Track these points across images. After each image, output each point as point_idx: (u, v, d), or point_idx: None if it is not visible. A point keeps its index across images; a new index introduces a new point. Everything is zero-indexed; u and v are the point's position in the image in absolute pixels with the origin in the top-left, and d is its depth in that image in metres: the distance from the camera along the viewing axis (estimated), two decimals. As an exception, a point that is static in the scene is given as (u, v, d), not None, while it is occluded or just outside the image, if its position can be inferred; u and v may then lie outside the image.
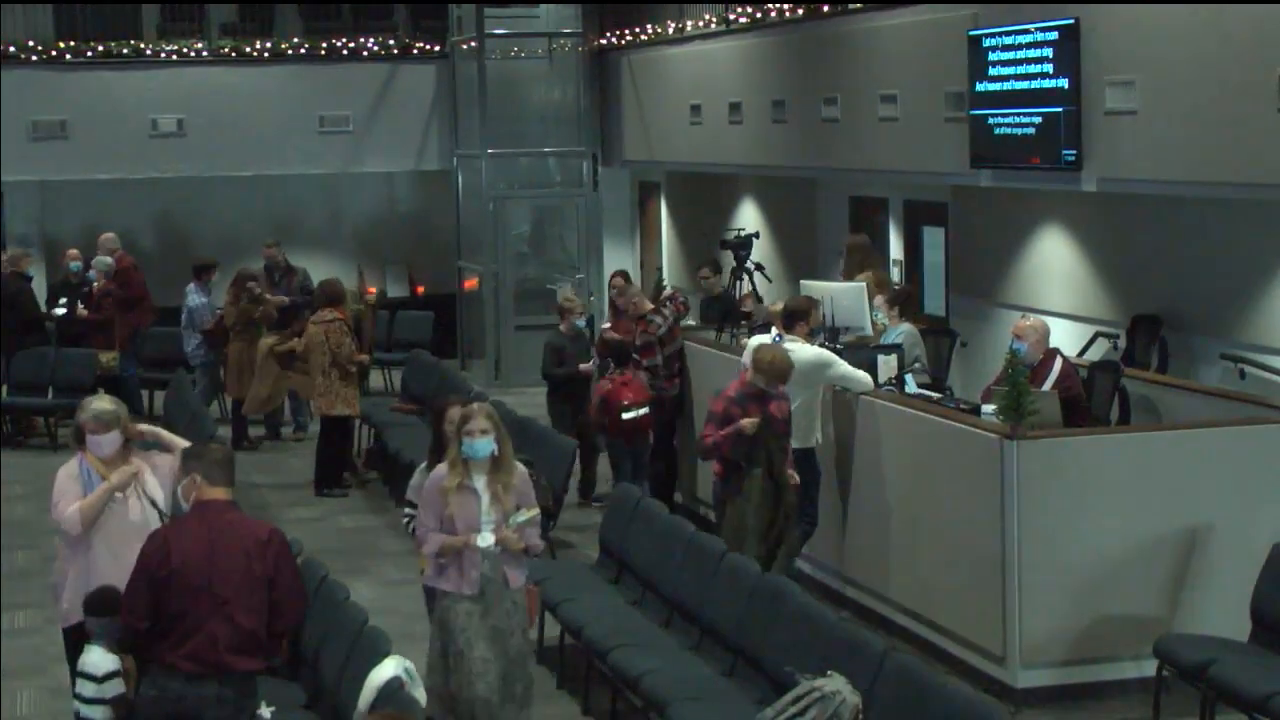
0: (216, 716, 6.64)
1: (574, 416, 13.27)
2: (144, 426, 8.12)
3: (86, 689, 7.20)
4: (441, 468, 7.84)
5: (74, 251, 18.60)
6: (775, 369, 9.77)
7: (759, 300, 13.47)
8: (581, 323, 13.82)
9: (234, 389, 16.36)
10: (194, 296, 17.09)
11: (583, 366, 13.47)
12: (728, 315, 13.21)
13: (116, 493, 7.69)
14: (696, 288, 15.08)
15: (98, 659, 7.19)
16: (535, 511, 7.81)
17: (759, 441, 9.70)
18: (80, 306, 18.07)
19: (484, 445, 7.65)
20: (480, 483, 7.71)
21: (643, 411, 12.49)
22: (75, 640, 7.74)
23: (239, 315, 16.18)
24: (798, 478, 9.95)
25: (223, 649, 6.64)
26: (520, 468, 7.87)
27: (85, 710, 7.20)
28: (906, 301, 12.57)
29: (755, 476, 9.72)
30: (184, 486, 6.89)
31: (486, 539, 7.66)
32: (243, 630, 6.66)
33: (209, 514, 6.78)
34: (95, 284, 17.88)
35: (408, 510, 8.61)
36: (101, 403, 7.89)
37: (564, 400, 13.53)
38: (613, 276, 14.87)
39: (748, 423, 9.66)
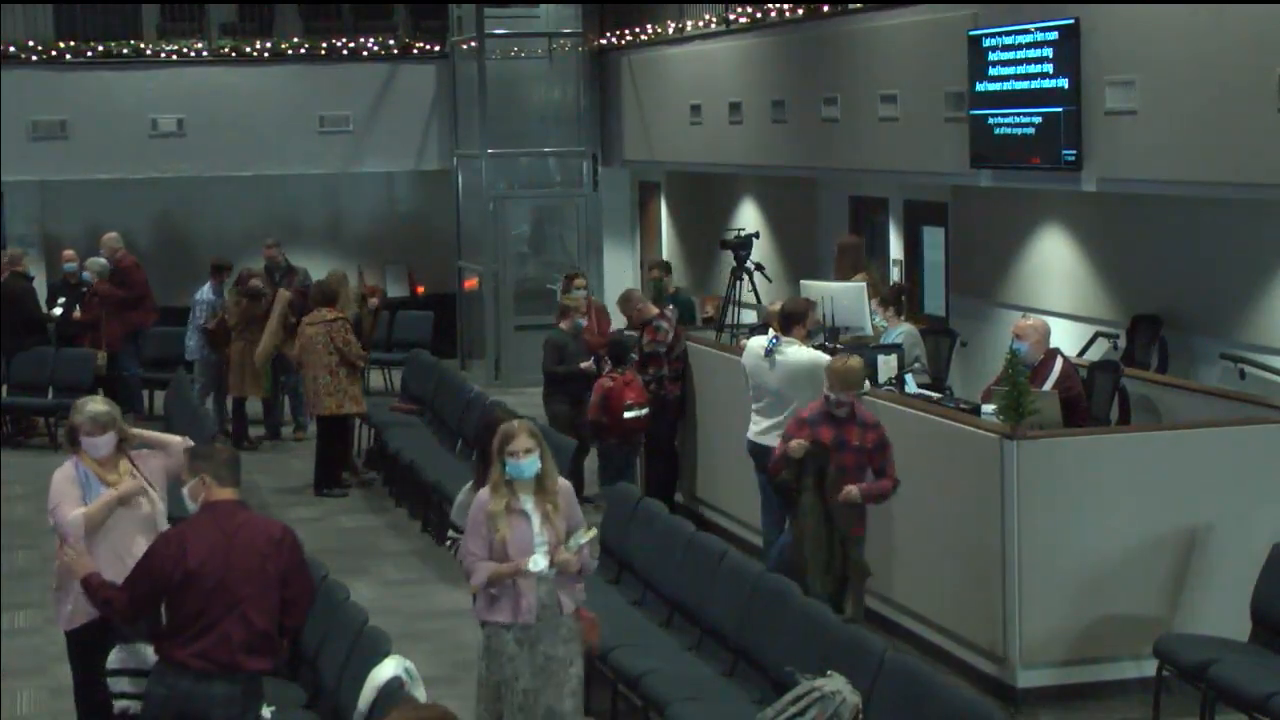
0: (225, 716, 6.64)
1: (572, 415, 13.26)
2: (135, 431, 8.09)
3: (139, 685, 7.21)
4: (484, 492, 7.39)
5: (70, 252, 18.58)
6: (842, 375, 9.21)
7: (757, 302, 13.47)
8: (583, 322, 13.84)
9: (237, 388, 16.36)
10: (202, 292, 17.11)
11: (584, 365, 13.39)
12: (681, 319, 13.36)
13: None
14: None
15: (148, 653, 7.19)
16: (594, 531, 7.46)
17: (806, 464, 9.15)
18: (77, 307, 18.07)
19: (530, 465, 7.24)
20: (529, 504, 7.30)
21: (644, 412, 12.49)
22: (78, 641, 7.73)
23: (241, 314, 16.18)
24: (855, 493, 9.17)
25: (236, 648, 6.64)
26: (564, 483, 7.50)
27: (136, 706, 7.22)
28: (901, 299, 12.55)
29: (805, 500, 9.21)
30: (192, 487, 6.88)
31: (539, 563, 7.23)
32: (256, 630, 6.67)
33: (221, 514, 6.78)
34: (91, 284, 17.86)
35: (452, 534, 8.02)
36: (96, 404, 7.87)
37: (563, 399, 13.46)
38: (572, 279, 14.85)
39: (794, 444, 9.18)
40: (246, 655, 6.66)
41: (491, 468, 7.39)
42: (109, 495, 7.64)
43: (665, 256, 21.96)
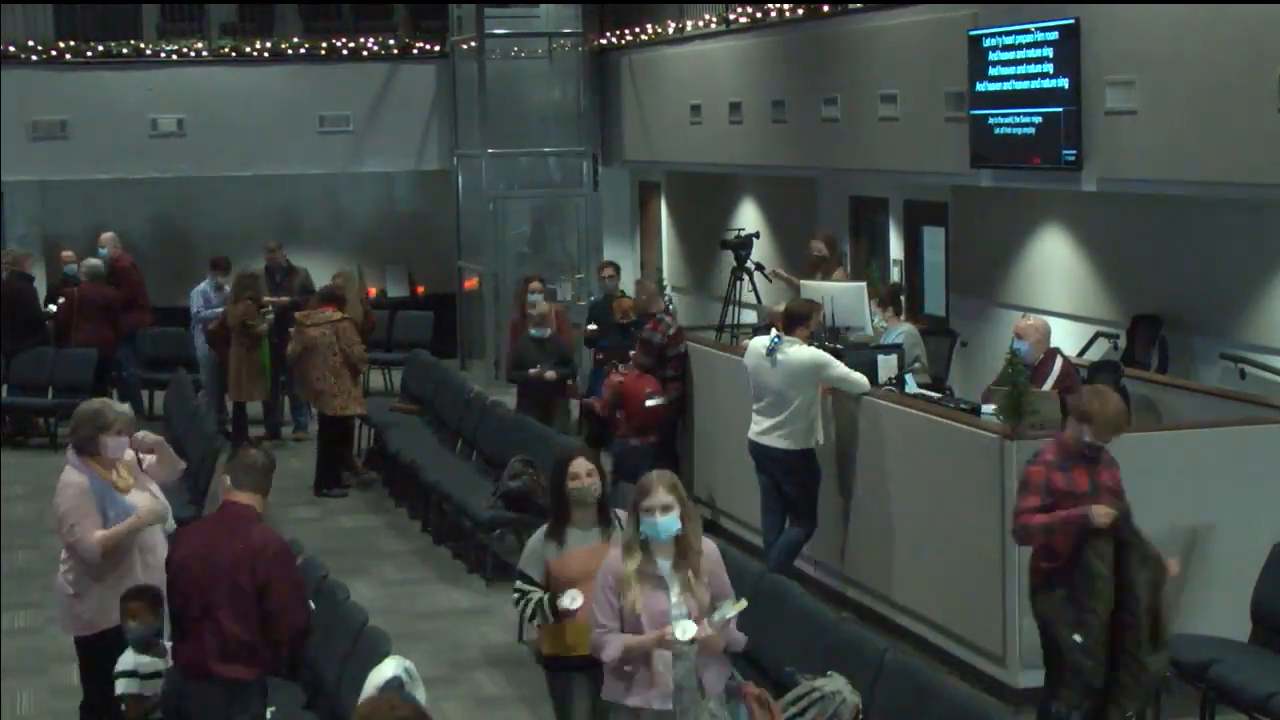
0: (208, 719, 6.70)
1: (540, 420, 13.22)
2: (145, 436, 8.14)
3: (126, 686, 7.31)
4: (614, 553, 6.45)
5: (69, 254, 18.60)
6: (1113, 422, 7.78)
7: (757, 302, 13.47)
8: (541, 332, 13.80)
9: (235, 392, 16.32)
10: (201, 287, 17.14)
11: (533, 371, 13.48)
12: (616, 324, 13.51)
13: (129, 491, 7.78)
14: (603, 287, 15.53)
15: (124, 657, 7.27)
16: (742, 603, 6.45)
17: (1086, 540, 7.64)
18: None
19: (668, 523, 6.30)
20: (666, 568, 6.38)
21: (663, 400, 12.44)
22: (94, 648, 7.72)
23: (241, 316, 16.14)
24: (1176, 567, 7.82)
25: (209, 653, 6.68)
26: (710, 546, 6.54)
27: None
28: (899, 299, 12.58)
29: (1099, 589, 7.59)
30: (217, 484, 6.97)
31: (688, 629, 6.20)
32: (230, 636, 6.67)
33: (223, 516, 6.84)
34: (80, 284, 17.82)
35: (520, 585, 6.99)
36: (122, 406, 8.02)
37: (528, 406, 13.54)
38: (530, 281, 14.81)
39: (1102, 514, 7.56)
40: (220, 661, 6.67)
41: (627, 528, 6.49)
42: (131, 521, 7.62)
43: (665, 256, 22.00)
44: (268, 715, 6.98)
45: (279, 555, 6.78)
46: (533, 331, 13.82)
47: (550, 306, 14.50)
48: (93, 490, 7.61)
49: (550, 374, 13.57)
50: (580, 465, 6.91)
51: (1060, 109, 11.75)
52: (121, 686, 7.29)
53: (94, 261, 17.69)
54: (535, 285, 14.66)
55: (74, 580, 7.71)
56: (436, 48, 21.26)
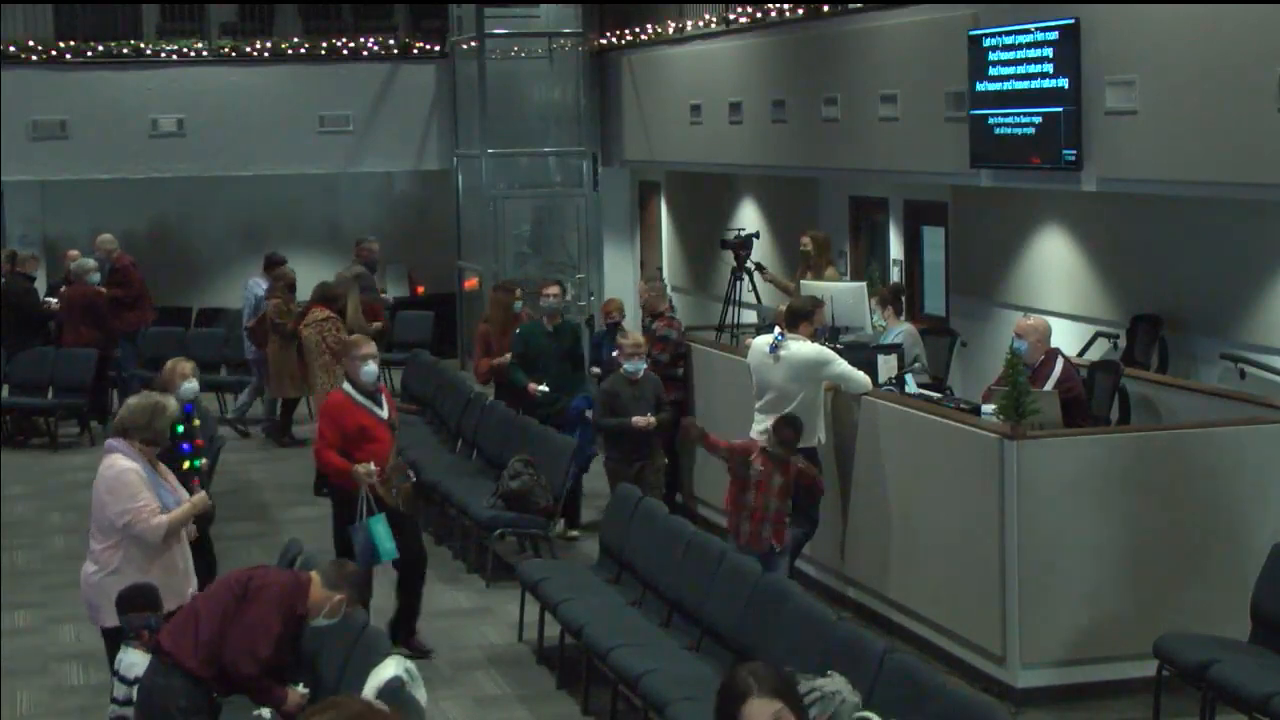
0: (162, 704, 6.83)
1: (639, 475, 11.48)
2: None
3: (119, 691, 7.26)
4: None
5: (74, 253, 18.61)
6: None
7: (757, 302, 13.45)
8: (637, 366, 11.55)
9: (275, 389, 16.31)
10: (255, 284, 17.13)
11: (636, 419, 11.48)
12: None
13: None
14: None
15: (134, 659, 7.26)
16: None
17: None
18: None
19: None
20: None
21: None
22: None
23: (269, 313, 16.06)
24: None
25: (165, 629, 6.94)
26: None
27: (117, 710, 7.26)
28: (899, 298, 12.58)
29: None
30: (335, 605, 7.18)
31: None
32: (192, 623, 6.87)
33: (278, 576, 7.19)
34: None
35: None
36: (174, 404, 8.41)
37: (616, 455, 11.64)
38: (512, 290, 14.20)
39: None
40: (169, 636, 6.89)
41: None
42: (187, 507, 7.99)
43: (665, 256, 22.00)
44: (268, 715, 6.98)
45: (270, 588, 6.97)
46: (626, 367, 11.56)
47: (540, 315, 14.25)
48: (145, 476, 7.90)
49: (652, 420, 11.55)
50: (759, 710, 4.01)
51: (1060, 109, 11.75)
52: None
53: (86, 261, 17.68)
54: (518, 293, 14.14)
55: (117, 567, 7.88)
56: (436, 48, 21.27)
